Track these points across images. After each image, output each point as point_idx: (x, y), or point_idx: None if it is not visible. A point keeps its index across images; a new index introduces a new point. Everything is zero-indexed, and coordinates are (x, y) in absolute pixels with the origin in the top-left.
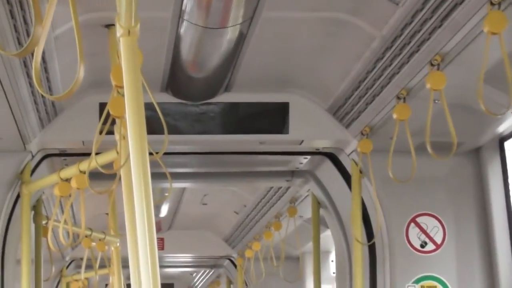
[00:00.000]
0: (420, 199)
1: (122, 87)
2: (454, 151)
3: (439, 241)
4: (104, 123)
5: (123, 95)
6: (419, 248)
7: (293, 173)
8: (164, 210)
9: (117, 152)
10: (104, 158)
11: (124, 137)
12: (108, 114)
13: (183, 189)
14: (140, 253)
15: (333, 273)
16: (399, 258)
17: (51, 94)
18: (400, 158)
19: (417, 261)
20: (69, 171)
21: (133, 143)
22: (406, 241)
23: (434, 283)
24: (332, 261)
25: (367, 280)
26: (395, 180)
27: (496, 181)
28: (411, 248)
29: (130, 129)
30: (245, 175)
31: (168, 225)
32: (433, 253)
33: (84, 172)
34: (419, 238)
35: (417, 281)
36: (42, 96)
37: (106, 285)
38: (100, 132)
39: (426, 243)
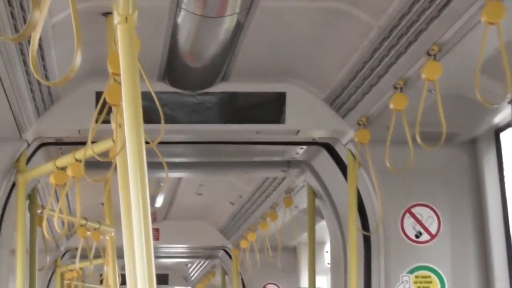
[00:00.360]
0: (415, 189)
1: (119, 75)
2: (442, 141)
3: (434, 232)
4: (100, 112)
5: (119, 83)
6: (414, 238)
7: (289, 163)
8: (160, 200)
9: (113, 141)
10: (100, 147)
11: (120, 126)
12: (104, 103)
13: (179, 179)
14: (135, 243)
15: (328, 263)
16: (394, 248)
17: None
18: (396, 149)
19: (411, 251)
20: (65, 160)
21: (129, 131)
22: (401, 231)
23: (428, 273)
24: (327, 252)
25: (361, 270)
26: (393, 170)
27: (492, 172)
28: (406, 238)
29: (126, 116)
30: (241, 165)
31: (164, 216)
32: (427, 244)
33: (80, 161)
34: (414, 228)
35: (412, 271)
36: (39, 84)
37: (101, 275)
38: (96, 121)
39: (421, 234)
